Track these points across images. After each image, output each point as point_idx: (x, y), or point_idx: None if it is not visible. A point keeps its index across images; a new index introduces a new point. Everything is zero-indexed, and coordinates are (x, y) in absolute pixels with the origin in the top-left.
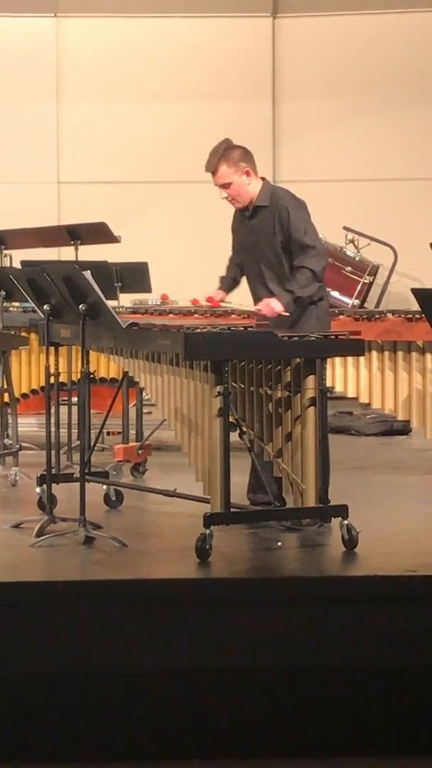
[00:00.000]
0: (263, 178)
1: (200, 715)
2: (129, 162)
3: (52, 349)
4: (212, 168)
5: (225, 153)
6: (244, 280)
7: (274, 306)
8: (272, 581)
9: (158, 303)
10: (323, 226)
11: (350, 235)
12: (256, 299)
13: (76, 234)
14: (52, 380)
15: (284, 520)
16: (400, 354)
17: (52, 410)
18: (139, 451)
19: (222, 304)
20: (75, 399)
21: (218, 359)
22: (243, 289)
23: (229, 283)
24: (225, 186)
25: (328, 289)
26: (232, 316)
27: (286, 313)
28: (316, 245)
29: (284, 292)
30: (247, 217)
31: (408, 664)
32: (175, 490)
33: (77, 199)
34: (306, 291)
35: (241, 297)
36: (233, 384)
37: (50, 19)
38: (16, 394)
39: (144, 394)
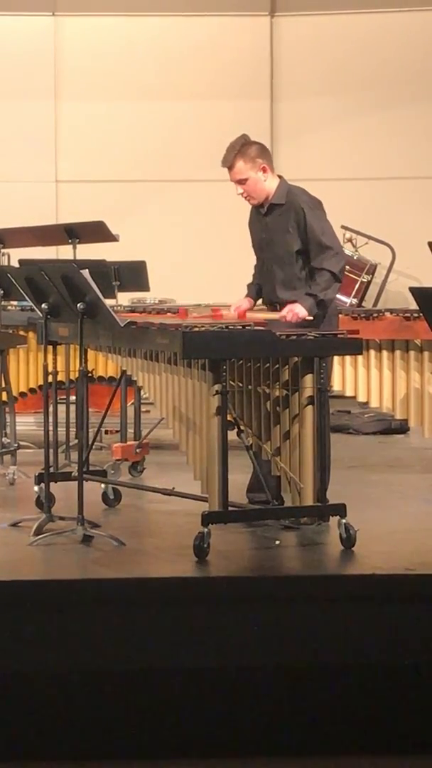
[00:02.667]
0: (280, 176)
1: (199, 714)
2: (127, 161)
3: (50, 347)
4: (229, 163)
5: (242, 149)
6: (239, 280)
7: (298, 311)
8: (270, 580)
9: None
10: None
11: (348, 234)
12: (267, 298)
13: (74, 233)
14: (50, 379)
15: (282, 518)
16: (398, 353)
17: (51, 409)
18: (137, 450)
19: (248, 315)
20: (73, 398)
21: (216, 358)
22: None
23: (256, 290)
24: (241, 182)
25: None
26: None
27: (310, 318)
28: (334, 246)
29: (307, 296)
30: (261, 215)
31: (407, 662)
32: (173, 488)
33: (75, 198)
34: (328, 293)
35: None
36: (231, 383)
37: (48, 17)
38: (15, 393)
39: (142, 392)
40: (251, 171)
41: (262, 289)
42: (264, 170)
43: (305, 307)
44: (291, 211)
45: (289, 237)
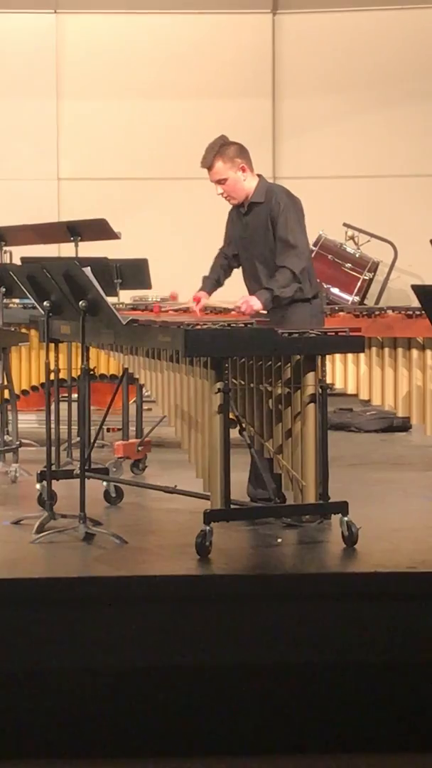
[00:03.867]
0: (259, 175)
1: (200, 712)
2: (129, 158)
3: (52, 345)
4: (208, 164)
5: (220, 149)
6: (227, 282)
7: (252, 304)
8: (272, 578)
9: (167, 301)
10: (323, 222)
11: (350, 232)
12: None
13: (76, 230)
14: (52, 377)
15: (284, 516)
16: (400, 350)
17: (52, 407)
18: (139, 448)
19: (204, 302)
20: (75, 396)
21: (218, 356)
22: (233, 286)
23: (211, 284)
24: (220, 182)
25: (327, 286)
26: (232, 312)
27: (264, 311)
28: (299, 245)
29: (264, 290)
30: (242, 214)
31: (408, 661)
32: (175, 486)
33: (77, 196)
34: (285, 291)
35: (231, 294)
36: (233, 381)
37: (50, 15)
38: (16, 391)
39: (144, 390)
40: (230, 171)
41: (217, 285)
42: (243, 170)
43: (261, 301)
44: (269, 208)
45: (269, 234)
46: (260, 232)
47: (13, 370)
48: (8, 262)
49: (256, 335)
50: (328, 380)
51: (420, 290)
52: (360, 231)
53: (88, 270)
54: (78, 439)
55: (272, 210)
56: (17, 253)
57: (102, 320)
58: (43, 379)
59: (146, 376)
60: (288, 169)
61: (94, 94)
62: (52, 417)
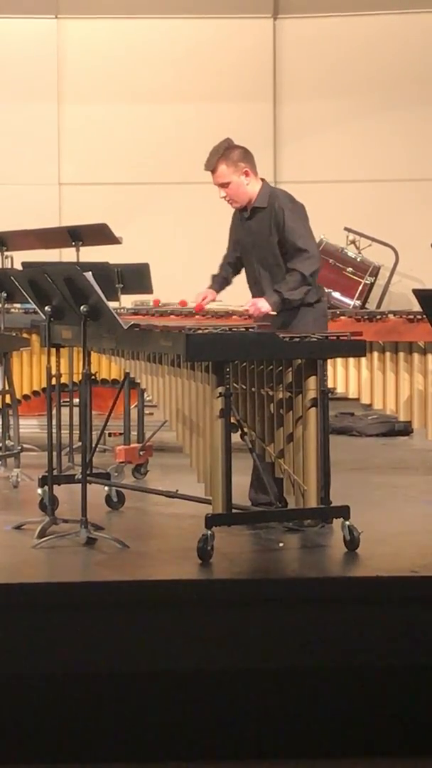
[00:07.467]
0: (263, 180)
1: (201, 716)
2: (130, 163)
3: (53, 350)
4: (211, 167)
5: (225, 152)
6: (235, 280)
7: (260, 306)
8: (274, 582)
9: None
10: (324, 227)
11: (351, 236)
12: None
13: (77, 235)
14: (53, 381)
15: (286, 521)
16: (401, 355)
17: (54, 411)
18: (141, 453)
19: (211, 305)
20: (76, 400)
21: (219, 360)
22: (238, 288)
23: (220, 282)
24: (223, 185)
25: (329, 290)
26: (233, 317)
27: (273, 313)
28: (309, 249)
29: (273, 293)
30: (245, 218)
31: (409, 664)
32: (177, 491)
33: (78, 201)
34: (294, 294)
35: (236, 296)
36: (234, 385)
37: (51, 20)
38: (18, 396)
39: (145, 395)
40: (234, 175)
41: (225, 283)
42: (246, 174)
43: (269, 303)
44: (272, 213)
45: (272, 239)
46: (263, 237)
47: (15, 375)
48: (9, 267)
49: (257, 339)
50: (330, 384)
51: (421, 294)
52: (361, 235)
53: (89, 275)
54: (79, 443)
55: (276, 215)
56: (18, 258)
57: (103, 325)
58: (44, 384)
59: (147, 381)
60: (289, 174)
61: (96, 99)
62: (54, 422)
